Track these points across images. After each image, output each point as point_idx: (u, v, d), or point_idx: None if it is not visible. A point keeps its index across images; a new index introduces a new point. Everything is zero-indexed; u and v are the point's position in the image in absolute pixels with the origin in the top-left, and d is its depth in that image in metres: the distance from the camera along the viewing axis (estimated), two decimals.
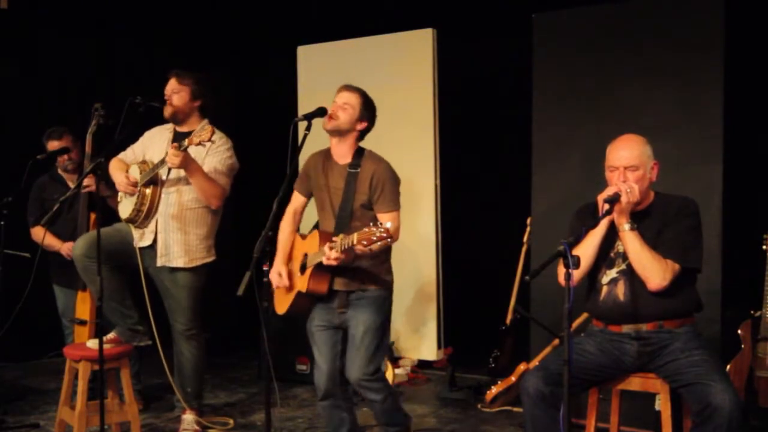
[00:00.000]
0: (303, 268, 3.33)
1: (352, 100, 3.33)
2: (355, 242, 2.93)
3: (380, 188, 3.27)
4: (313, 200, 3.54)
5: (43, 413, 4.60)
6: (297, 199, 3.55)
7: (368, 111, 3.36)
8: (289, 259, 3.49)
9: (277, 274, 3.40)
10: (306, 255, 3.35)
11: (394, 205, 3.29)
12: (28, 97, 5.94)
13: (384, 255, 3.36)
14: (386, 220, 3.06)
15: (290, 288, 3.41)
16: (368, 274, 3.30)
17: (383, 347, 3.39)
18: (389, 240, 2.91)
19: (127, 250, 4.01)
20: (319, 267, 3.20)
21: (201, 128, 3.71)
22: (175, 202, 3.98)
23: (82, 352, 3.78)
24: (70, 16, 6.12)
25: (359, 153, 3.37)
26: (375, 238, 2.88)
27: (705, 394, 2.80)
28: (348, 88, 3.39)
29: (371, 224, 2.91)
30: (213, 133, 3.71)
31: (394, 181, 3.33)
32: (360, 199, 3.29)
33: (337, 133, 3.34)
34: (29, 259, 4.50)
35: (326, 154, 3.44)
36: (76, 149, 4.67)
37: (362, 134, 3.40)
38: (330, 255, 3.07)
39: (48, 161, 4.68)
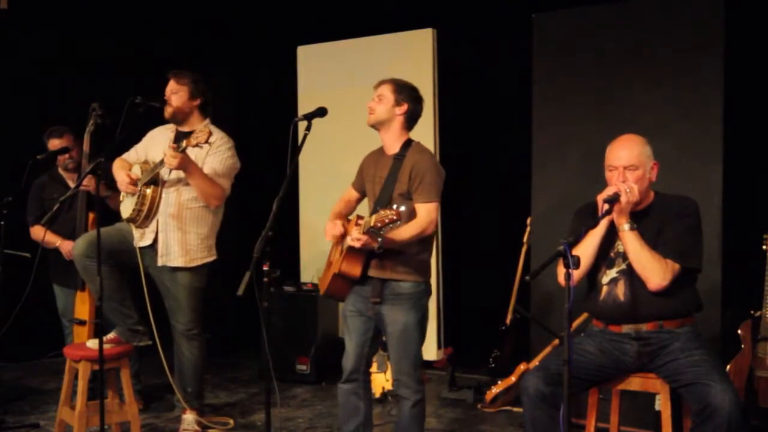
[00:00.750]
0: (342, 250, 3.37)
1: (384, 90, 3.36)
2: (372, 224, 2.95)
3: (419, 178, 3.26)
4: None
5: (43, 413, 4.60)
6: (349, 192, 3.60)
7: (402, 93, 3.35)
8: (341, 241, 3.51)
9: (334, 224, 3.37)
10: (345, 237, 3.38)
11: (432, 197, 3.26)
12: (28, 97, 5.94)
13: (421, 245, 3.32)
14: (421, 211, 3.10)
15: (331, 269, 3.46)
16: (403, 264, 3.27)
17: (422, 342, 3.37)
18: (398, 222, 2.92)
19: (127, 250, 4.01)
20: (351, 249, 3.23)
21: (199, 130, 3.73)
22: (174, 201, 3.98)
23: (82, 352, 3.78)
24: (70, 16, 6.12)
25: (407, 144, 3.38)
26: (387, 220, 2.91)
27: (705, 394, 2.80)
28: (381, 82, 3.41)
29: (386, 208, 2.94)
30: (210, 135, 3.72)
31: (437, 173, 3.31)
32: (399, 188, 3.29)
33: (379, 124, 3.36)
34: (29, 259, 4.50)
35: (381, 148, 3.48)
36: (76, 148, 4.67)
37: (409, 120, 3.39)
38: (353, 235, 3.10)
39: (48, 161, 4.68)
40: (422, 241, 3.30)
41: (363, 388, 3.45)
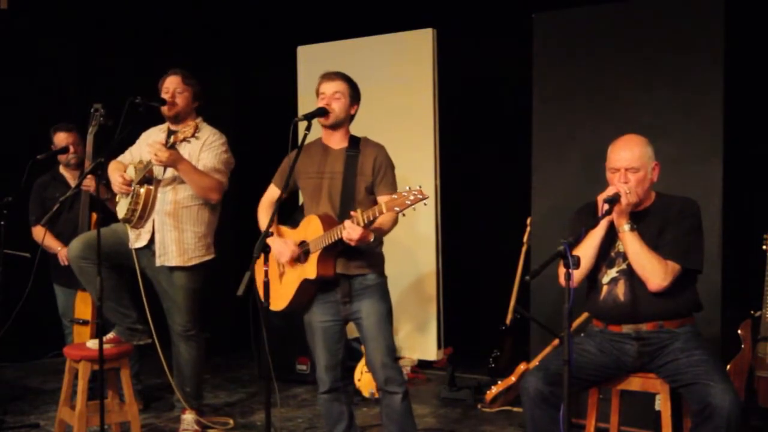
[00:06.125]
0: (306, 255, 3.28)
1: (341, 87, 3.31)
2: (385, 210, 2.89)
3: (382, 171, 3.26)
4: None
5: (43, 413, 4.60)
6: (272, 191, 3.50)
7: (356, 92, 3.36)
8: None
9: (287, 246, 3.30)
10: (304, 242, 3.30)
11: (396, 188, 3.26)
12: (29, 97, 5.93)
13: (378, 240, 3.32)
14: None
15: (287, 279, 3.36)
16: (366, 259, 3.26)
17: (392, 332, 3.37)
18: (426, 199, 2.85)
19: (123, 251, 4.00)
20: (328, 250, 3.17)
21: (186, 125, 3.79)
22: (171, 200, 3.97)
23: (82, 352, 3.78)
24: (70, 16, 6.11)
25: (355, 139, 3.36)
26: (409, 202, 2.83)
27: (705, 394, 2.80)
28: (330, 77, 3.34)
29: (399, 191, 2.88)
30: (196, 128, 3.77)
31: (393, 167, 3.33)
32: (364, 180, 3.26)
33: (336, 126, 3.31)
34: (29, 259, 4.50)
35: (317, 145, 3.41)
36: (80, 145, 4.68)
37: (353, 117, 3.39)
38: (353, 230, 2.98)
39: (49, 161, 4.69)
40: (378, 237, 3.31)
41: (344, 393, 3.43)
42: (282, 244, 3.33)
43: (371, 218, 2.97)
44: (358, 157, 3.28)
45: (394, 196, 2.89)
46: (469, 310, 5.74)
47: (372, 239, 3.09)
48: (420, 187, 2.86)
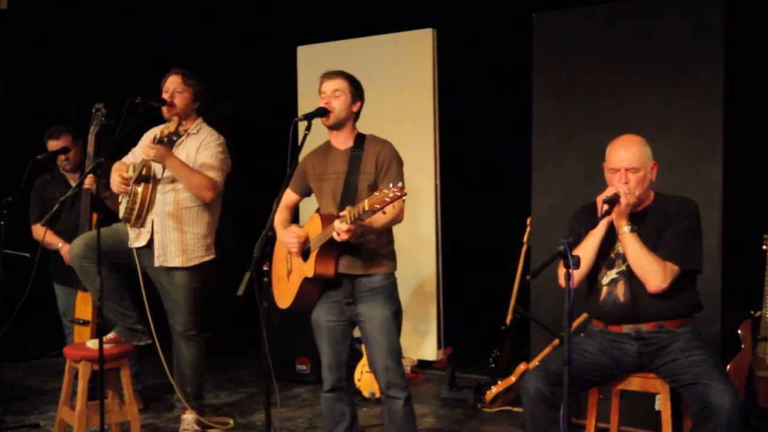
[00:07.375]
0: (306, 254, 3.27)
1: (341, 85, 3.29)
2: (366, 208, 2.86)
3: (386, 167, 3.22)
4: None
5: (43, 413, 4.60)
6: (289, 195, 3.46)
7: (358, 89, 3.34)
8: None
9: (292, 233, 3.27)
10: (307, 240, 3.29)
11: (401, 184, 3.23)
12: (29, 97, 5.93)
13: (387, 237, 3.30)
14: None
15: (292, 278, 3.35)
16: (372, 257, 3.23)
17: (399, 336, 3.34)
18: (404, 198, 2.84)
19: (125, 251, 4.01)
20: (325, 248, 3.15)
21: (171, 121, 3.84)
22: (171, 200, 3.98)
23: (82, 352, 3.78)
24: (70, 16, 6.11)
25: (361, 137, 3.34)
26: (389, 199, 2.81)
27: (705, 395, 2.80)
28: (330, 75, 3.33)
29: (381, 188, 2.86)
30: (179, 124, 3.82)
31: (399, 161, 3.28)
32: (366, 179, 3.23)
33: (338, 124, 3.30)
34: (29, 259, 4.50)
35: (325, 146, 3.41)
36: (75, 149, 4.68)
37: (358, 116, 3.37)
38: (341, 228, 2.97)
39: (49, 160, 4.69)
40: (388, 232, 3.29)
41: (347, 393, 3.42)
42: (288, 234, 3.29)
43: (357, 215, 2.94)
44: (362, 156, 3.27)
45: (376, 193, 2.87)
46: (469, 310, 5.74)
47: (360, 233, 3.07)
48: (401, 184, 2.84)
